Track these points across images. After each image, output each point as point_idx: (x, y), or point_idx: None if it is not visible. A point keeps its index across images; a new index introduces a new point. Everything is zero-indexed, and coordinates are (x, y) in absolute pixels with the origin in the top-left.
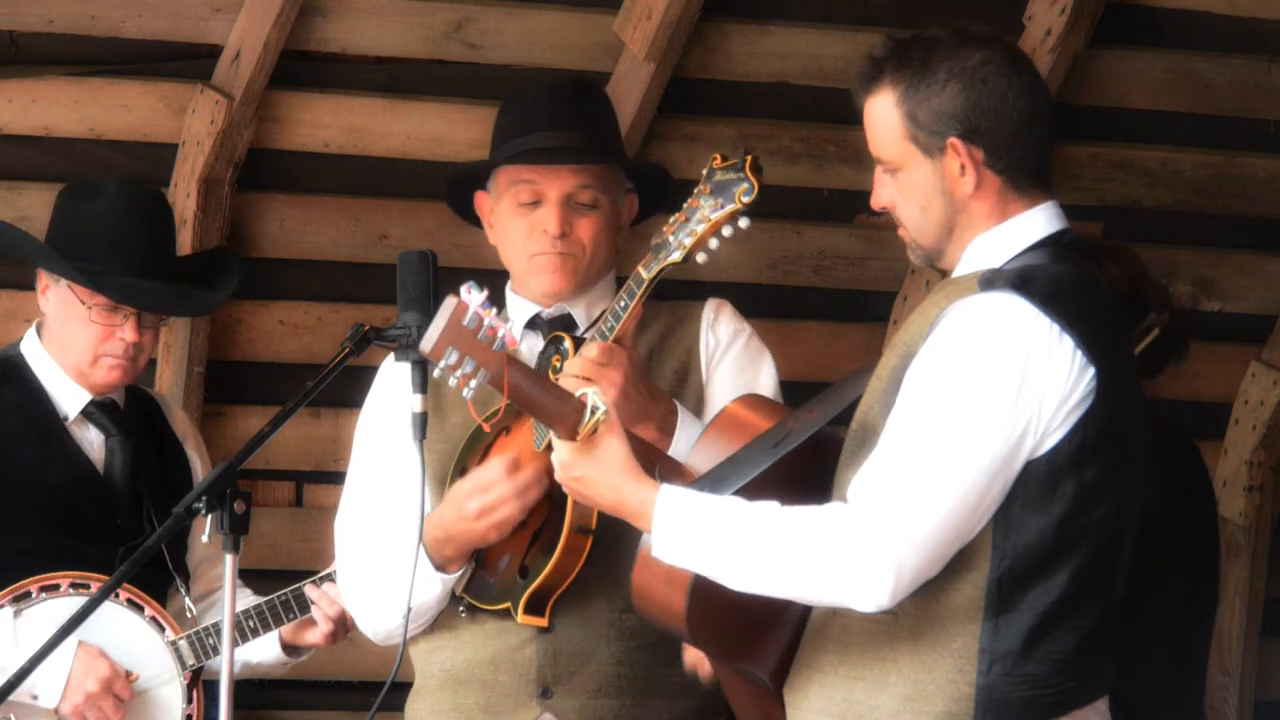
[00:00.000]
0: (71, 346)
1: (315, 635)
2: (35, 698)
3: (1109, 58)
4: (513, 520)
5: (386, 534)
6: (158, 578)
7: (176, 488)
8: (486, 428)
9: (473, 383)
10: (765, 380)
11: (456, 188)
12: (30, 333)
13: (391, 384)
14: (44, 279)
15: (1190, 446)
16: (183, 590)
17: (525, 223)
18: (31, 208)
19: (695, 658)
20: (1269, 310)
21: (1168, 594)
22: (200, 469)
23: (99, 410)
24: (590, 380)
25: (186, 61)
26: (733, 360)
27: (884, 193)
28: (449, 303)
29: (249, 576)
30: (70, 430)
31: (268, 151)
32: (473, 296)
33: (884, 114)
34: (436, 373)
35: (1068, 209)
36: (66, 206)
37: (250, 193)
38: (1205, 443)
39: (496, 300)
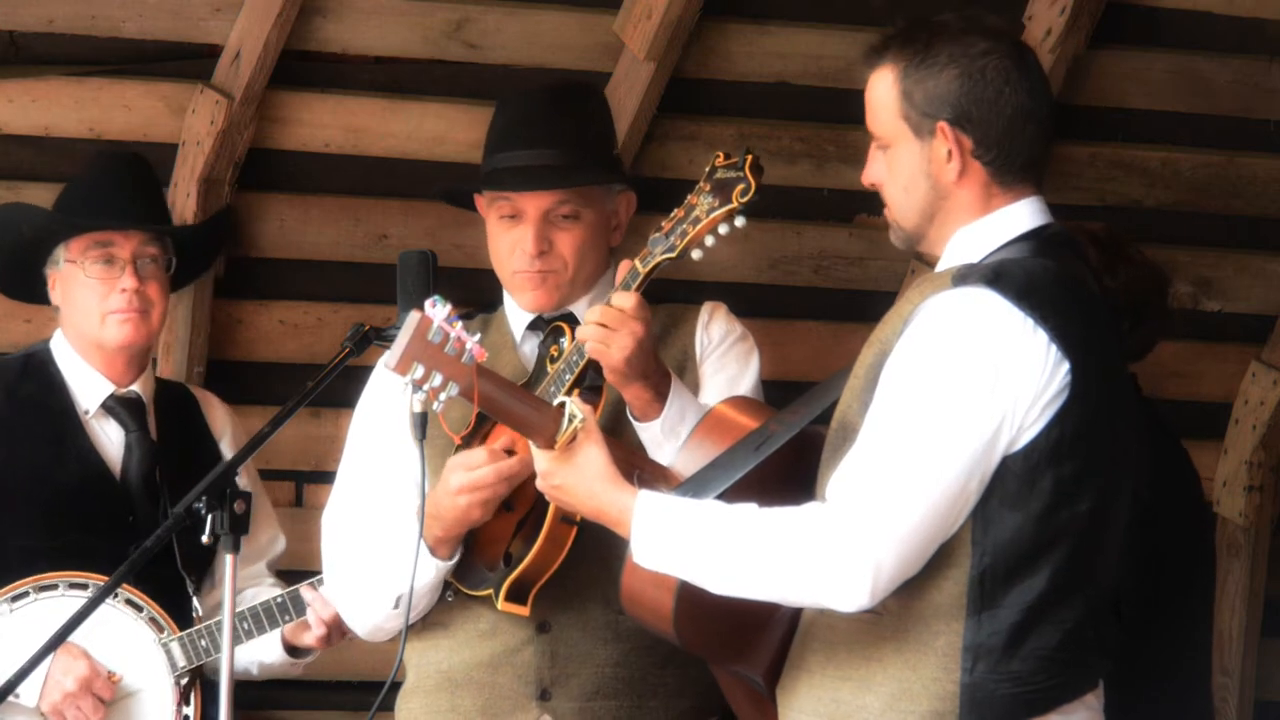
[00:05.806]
0: (82, 317)
1: (309, 637)
2: (17, 696)
3: (1109, 58)
4: (496, 499)
5: (377, 526)
6: (169, 576)
7: None
8: (456, 440)
9: (443, 395)
10: (747, 381)
11: (450, 199)
12: (58, 331)
13: (387, 382)
14: (51, 275)
15: (1177, 445)
16: (190, 589)
17: (507, 239)
18: None
19: None
20: (1269, 310)
21: (1164, 594)
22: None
23: (119, 405)
24: (611, 328)
25: (186, 61)
26: (719, 356)
27: (874, 169)
28: (412, 318)
29: None
30: (88, 425)
31: (268, 151)
32: (436, 310)
33: (883, 90)
34: (403, 387)
35: (1068, 209)
36: (59, 200)
37: (250, 193)
38: (1205, 443)
39: (493, 305)
